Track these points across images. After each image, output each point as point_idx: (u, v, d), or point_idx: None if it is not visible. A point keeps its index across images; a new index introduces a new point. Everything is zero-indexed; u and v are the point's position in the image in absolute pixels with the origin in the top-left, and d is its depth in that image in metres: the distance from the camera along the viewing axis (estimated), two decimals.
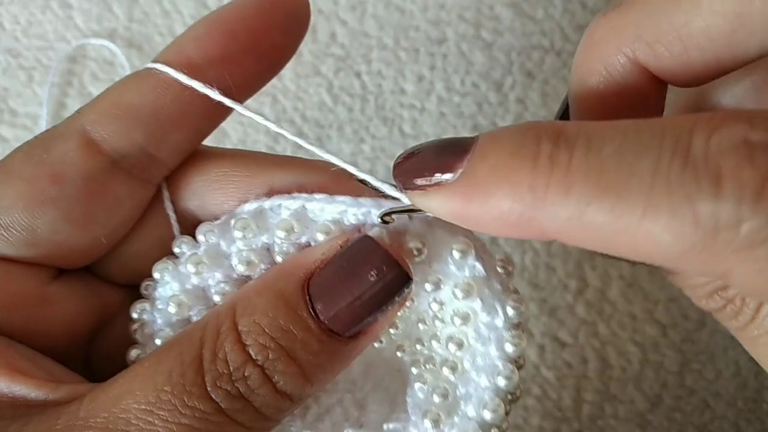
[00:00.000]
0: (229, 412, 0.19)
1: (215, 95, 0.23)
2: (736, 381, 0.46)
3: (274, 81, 0.49)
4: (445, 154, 0.19)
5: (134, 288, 0.25)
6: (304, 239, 0.22)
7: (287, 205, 0.22)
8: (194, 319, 0.23)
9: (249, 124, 0.49)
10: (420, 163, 0.19)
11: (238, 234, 0.23)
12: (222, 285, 0.23)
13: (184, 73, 0.23)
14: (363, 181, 0.21)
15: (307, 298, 0.20)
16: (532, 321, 0.46)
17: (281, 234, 0.22)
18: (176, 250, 0.24)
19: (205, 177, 0.25)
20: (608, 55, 0.20)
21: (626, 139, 0.16)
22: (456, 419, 0.21)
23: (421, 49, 0.50)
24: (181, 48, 0.24)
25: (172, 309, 0.23)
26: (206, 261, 0.23)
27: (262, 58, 0.24)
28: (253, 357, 0.19)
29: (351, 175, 0.22)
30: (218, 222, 0.24)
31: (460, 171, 0.18)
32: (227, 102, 0.23)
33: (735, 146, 0.15)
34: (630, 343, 0.46)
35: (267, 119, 0.23)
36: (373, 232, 0.21)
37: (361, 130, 0.49)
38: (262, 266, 0.23)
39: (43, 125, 0.49)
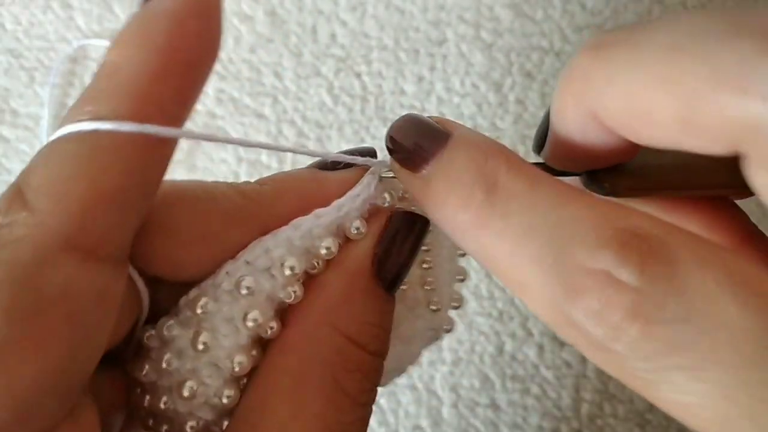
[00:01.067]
0: (369, 404, 0.21)
1: (188, 133, 0.18)
2: None
3: (274, 82, 0.50)
4: (421, 143, 0.20)
5: None
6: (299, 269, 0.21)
7: (274, 247, 0.21)
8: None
9: (249, 124, 0.49)
10: (404, 149, 0.21)
11: (286, 272, 0.21)
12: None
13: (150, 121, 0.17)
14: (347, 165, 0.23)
15: (378, 278, 0.22)
16: (531, 321, 0.46)
17: (288, 272, 0.21)
18: (166, 335, 0.21)
19: (172, 240, 0.20)
20: (576, 101, 0.20)
21: (545, 217, 0.18)
22: None
23: (421, 49, 0.50)
24: (145, 93, 0.18)
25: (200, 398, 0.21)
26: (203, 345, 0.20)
27: (199, 76, 0.19)
28: (373, 351, 0.21)
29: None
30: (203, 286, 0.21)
31: (426, 169, 0.20)
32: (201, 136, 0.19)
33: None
34: None
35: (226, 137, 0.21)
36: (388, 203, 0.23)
37: (362, 131, 0.49)
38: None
39: (44, 126, 0.50)
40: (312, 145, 0.49)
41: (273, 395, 0.20)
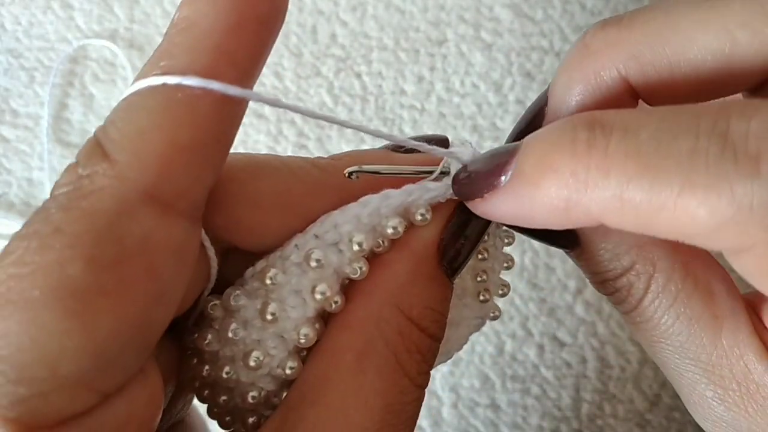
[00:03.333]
0: (424, 386, 0.21)
1: (256, 96, 0.18)
2: None
3: (274, 82, 0.50)
4: (495, 160, 0.20)
5: None
6: (366, 246, 0.21)
7: (343, 222, 0.21)
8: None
9: (249, 124, 0.49)
10: (475, 176, 0.21)
11: (355, 247, 0.21)
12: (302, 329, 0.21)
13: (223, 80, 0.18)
14: (411, 150, 0.23)
15: (442, 265, 0.22)
16: (531, 321, 0.46)
17: (356, 248, 0.21)
18: (233, 305, 0.21)
19: (252, 207, 0.21)
20: (601, 67, 0.21)
21: (663, 123, 0.17)
22: None
23: (421, 49, 0.50)
24: (219, 47, 0.18)
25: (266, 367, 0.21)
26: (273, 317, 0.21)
27: (269, 32, 0.20)
28: (432, 334, 0.21)
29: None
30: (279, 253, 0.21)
31: (509, 173, 0.19)
32: (264, 99, 0.19)
33: None
34: (629, 343, 0.46)
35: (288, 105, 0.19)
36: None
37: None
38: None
39: (44, 126, 0.50)
40: (312, 145, 0.49)
41: (336, 370, 0.20)
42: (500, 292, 0.26)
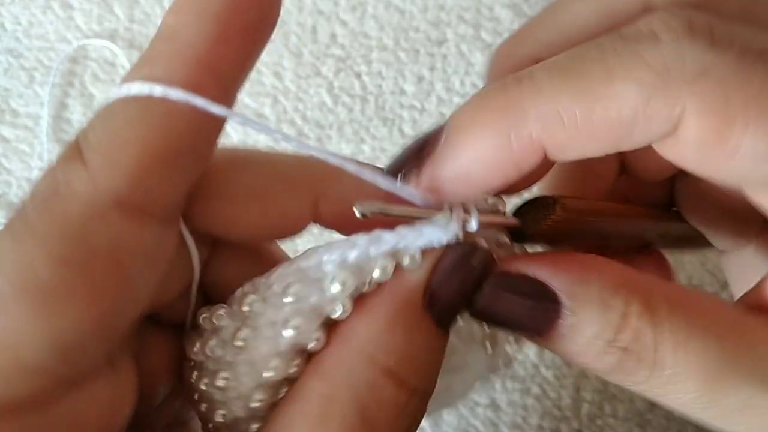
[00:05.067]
0: None
1: (236, 116, 0.19)
2: None
3: (274, 82, 0.50)
4: (427, 136, 0.21)
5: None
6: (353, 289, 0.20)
7: (328, 260, 0.21)
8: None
9: None
10: (410, 152, 0.22)
11: (334, 288, 0.20)
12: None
13: (200, 92, 0.18)
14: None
15: (429, 312, 0.20)
16: None
17: (337, 288, 0.20)
18: (215, 323, 0.21)
19: (227, 197, 0.21)
20: (506, 132, 0.21)
21: (573, 50, 0.19)
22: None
23: (421, 49, 0.50)
24: (199, 57, 0.18)
25: (267, 375, 0.20)
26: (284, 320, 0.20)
27: (255, 44, 0.20)
28: (413, 388, 0.20)
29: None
30: (254, 285, 0.21)
31: (443, 136, 0.21)
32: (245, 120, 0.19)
33: (658, 17, 0.19)
34: None
35: (268, 125, 0.21)
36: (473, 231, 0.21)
37: (362, 131, 0.49)
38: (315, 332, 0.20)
39: (44, 126, 0.50)
40: (312, 145, 0.49)
41: (299, 417, 0.19)
42: (511, 338, 0.25)
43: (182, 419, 0.24)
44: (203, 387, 0.21)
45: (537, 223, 0.22)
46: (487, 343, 0.24)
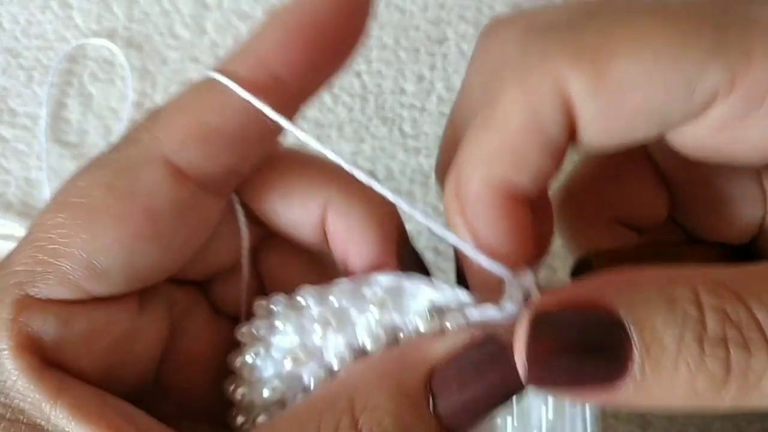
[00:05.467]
0: None
1: (288, 125, 0.22)
2: None
3: None
4: (597, 362, 0.15)
5: (196, 284, 0.25)
6: (397, 320, 0.21)
7: (379, 287, 0.22)
8: (305, 377, 0.22)
9: None
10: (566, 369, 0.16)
11: (373, 308, 0.21)
12: (342, 350, 0.21)
13: (261, 90, 0.21)
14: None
15: (429, 394, 0.18)
16: None
17: (376, 312, 0.21)
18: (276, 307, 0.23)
19: (273, 186, 0.24)
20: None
21: None
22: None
23: (421, 48, 0.50)
24: (262, 59, 0.22)
25: (288, 365, 0.22)
26: (334, 324, 0.21)
27: (334, 64, 0.23)
28: None
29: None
30: (347, 286, 0.22)
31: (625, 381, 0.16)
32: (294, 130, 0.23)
33: None
34: None
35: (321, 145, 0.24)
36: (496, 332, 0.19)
37: (361, 130, 0.49)
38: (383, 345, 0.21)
39: (42, 125, 0.49)
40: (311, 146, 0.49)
41: None
42: None
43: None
44: (240, 394, 0.23)
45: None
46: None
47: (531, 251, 0.20)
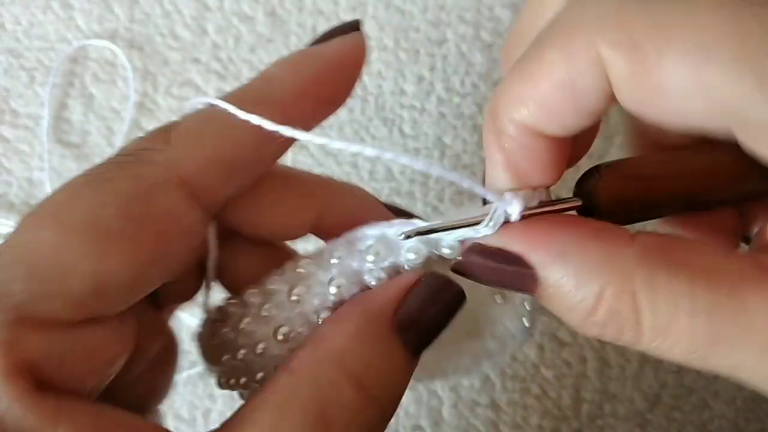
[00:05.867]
0: None
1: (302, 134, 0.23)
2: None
3: None
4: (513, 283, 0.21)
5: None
6: (388, 263, 0.23)
7: (370, 234, 0.24)
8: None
9: None
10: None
11: (369, 258, 0.23)
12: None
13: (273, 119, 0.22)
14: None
15: (398, 331, 0.22)
16: None
17: (371, 258, 0.23)
18: (270, 287, 0.24)
19: (259, 198, 0.25)
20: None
21: None
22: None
23: (421, 50, 0.50)
24: (277, 98, 0.23)
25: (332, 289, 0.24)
26: (346, 282, 0.23)
27: (335, 104, 0.25)
28: (371, 395, 0.21)
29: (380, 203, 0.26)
30: (340, 247, 0.24)
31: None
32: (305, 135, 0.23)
33: None
34: None
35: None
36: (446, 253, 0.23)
37: (362, 131, 0.49)
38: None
39: (44, 126, 0.50)
40: (312, 145, 0.49)
41: (261, 406, 0.20)
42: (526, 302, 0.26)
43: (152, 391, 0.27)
44: (260, 348, 0.24)
45: (594, 194, 0.22)
46: (525, 317, 0.25)
47: (551, 179, 0.22)
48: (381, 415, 0.21)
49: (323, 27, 0.50)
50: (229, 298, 0.25)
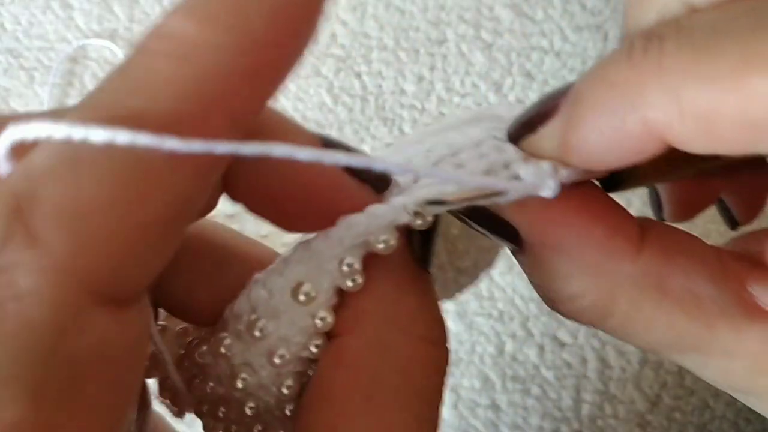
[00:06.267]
0: (440, 404, 0.19)
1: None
2: None
3: None
4: (546, 102, 0.18)
5: None
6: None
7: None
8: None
9: None
10: (526, 118, 0.19)
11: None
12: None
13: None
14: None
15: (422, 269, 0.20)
16: (531, 321, 0.46)
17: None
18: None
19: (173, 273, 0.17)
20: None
21: (718, 22, 0.15)
22: None
23: (421, 49, 0.50)
24: (213, 91, 0.13)
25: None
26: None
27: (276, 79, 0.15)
28: (442, 341, 0.19)
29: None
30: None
31: (562, 108, 0.17)
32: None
33: None
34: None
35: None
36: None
37: (362, 131, 0.49)
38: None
39: None
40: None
41: (343, 418, 0.16)
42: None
43: None
44: (240, 382, 0.19)
45: (630, 174, 0.20)
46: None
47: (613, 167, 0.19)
48: (440, 354, 0.18)
49: (323, 27, 0.50)
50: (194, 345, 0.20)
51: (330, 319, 0.18)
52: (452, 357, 0.46)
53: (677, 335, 0.19)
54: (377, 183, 0.18)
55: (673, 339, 0.19)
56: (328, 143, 0.18)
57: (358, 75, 0.50)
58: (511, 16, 0.50)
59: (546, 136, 0.18)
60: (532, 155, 0.19)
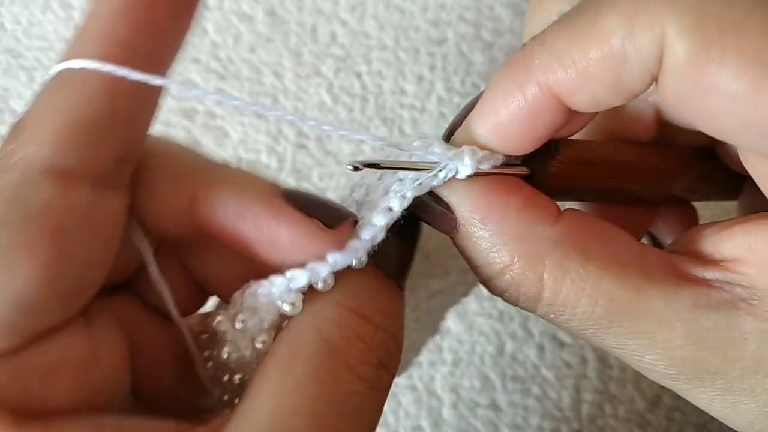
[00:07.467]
0: (369, 379, 0.21)
1: (166, 83, 0.21)
2: None
3: (274, 81, 0.49)
4: (471, 102, 0.22)
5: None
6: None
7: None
8: None
9: (249, 124, 0.49)
10: (456, 118, 0.23)
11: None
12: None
13: (119, 62, 0.20)
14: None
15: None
16: (531, 321, 0.46)
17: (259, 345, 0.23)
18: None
19: (136, 184, 0.22)
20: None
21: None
22: None
23: (422, 49, 0.50)
24: (107, 34, 0.20)
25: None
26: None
27: (178, 17, 0.22)
28: (376, 323, 0.21)
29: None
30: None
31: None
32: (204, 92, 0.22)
33: None
34: None
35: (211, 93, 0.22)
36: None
37: (362, 131, 0.49)
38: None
39: None
40: (312, 145, 0.49)
41: (270, 362, 0.20)
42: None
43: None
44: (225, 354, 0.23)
45: (545, 168, 0.22)
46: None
47: (524, 150, 0.22)
48: (391, 342, 0.21)
49: (323, 26, 0.50)
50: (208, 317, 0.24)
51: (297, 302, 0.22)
52: (452, 357, 0.46)
53: (608, 301, 0.20)
54: (327, 218, 0.22)
55: (605, 307, 0.20)
56: (288, 194, 0.22)
57: (358, 75, 0.50)
58: (510, 16, 0.49)
59: (464, 126, 0.22)
60: (453, 145, 0.22)
